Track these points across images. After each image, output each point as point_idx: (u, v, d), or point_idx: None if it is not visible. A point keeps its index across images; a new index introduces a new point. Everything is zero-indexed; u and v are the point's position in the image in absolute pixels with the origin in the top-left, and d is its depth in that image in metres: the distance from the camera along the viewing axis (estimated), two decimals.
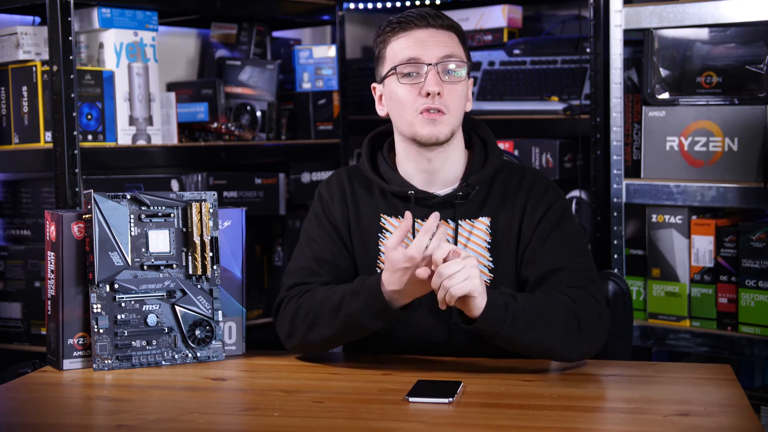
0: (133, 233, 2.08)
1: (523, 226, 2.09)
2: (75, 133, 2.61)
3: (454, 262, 1.84)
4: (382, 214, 2.14)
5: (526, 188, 2.11)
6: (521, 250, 2.09)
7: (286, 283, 2.14)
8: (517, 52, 3.33)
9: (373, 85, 2.16)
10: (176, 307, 2.11)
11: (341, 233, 2.15)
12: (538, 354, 1.98)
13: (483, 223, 2.10)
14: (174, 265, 2.11)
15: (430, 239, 1.88)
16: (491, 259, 2.09)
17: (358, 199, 2.16)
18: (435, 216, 1.92)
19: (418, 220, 2.10)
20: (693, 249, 2.83)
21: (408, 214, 1.94)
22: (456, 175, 2.12)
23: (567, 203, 2.14)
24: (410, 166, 2.12)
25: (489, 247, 2.10)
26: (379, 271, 2.12)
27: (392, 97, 2.09)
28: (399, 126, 2.11)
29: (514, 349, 1.95)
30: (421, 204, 2.11)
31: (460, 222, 2.10)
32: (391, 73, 2.07)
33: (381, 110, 2.15)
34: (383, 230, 2.14)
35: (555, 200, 2.11)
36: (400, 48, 2.07)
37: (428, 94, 2.02)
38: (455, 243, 2.09)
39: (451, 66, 2.05)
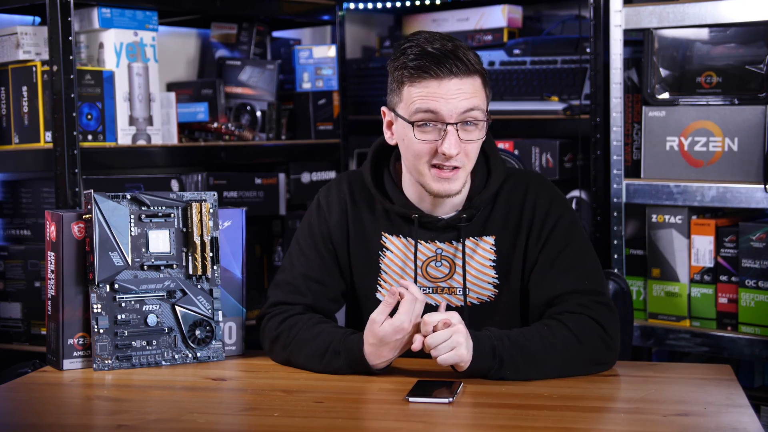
0: (133, 233, 2.08)
1: (529, 243, 2.06)
2: (75, 133, 2.61)
3: (441, 332, 1.87)
4: (383, 232, 2.12)
5: (531, 203, 2.07)
6: (528, 267, 2.07)
7: (270, 296, 2.13)
8: (517, 52, 3.33)
9: (384, 108, 2.07)
10: (176, 307, 2.11)
11: (335, 248, 2.13)
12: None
13: (487, 242, 2.09)
14: (174, 265, 2.11)
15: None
16: (496, 276, 2.08)
17: (359, 214, 2.13)
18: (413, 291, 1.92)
19: (422, 241, 2.09)
20: (693, 249, 2.83)
21: (393, 289, 1.91)
22: (460, 197, 2.09)
23: (573, 213, 2.11)
24: (415, 191, 2.08)
25: (494, 264, 2.08)
26: (379, 288, 2.12)
27: (405, 141, 2.01)
28: (408, 167, 2.05)
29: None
30: (425, 227, 2.09)
31: (465, 241, 2.08)
32: (402, 117, 2.00)
33: (390, 139, 2.07)
34: (384, 248, 2.12)
35: (561, 214, 2.07)
36: (418, 96, 1.95)
37: (443, 153, 1.95)
38: (462, 263, 2.07)
39: (471, 119, 1.96)
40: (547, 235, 2.05)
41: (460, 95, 1.95)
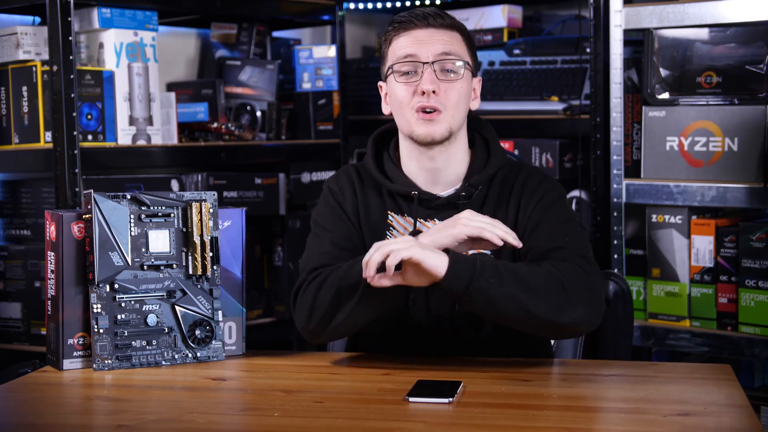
0: (133, 233, 2.08)
1: (518, 220, 2.09)
2: (75, 133, 2.61)
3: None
4: (389, 212, 2.14)
5: (521, 183, 2.11)
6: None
7: (306, 269, 2.06)
8: (517, 52, 3.33)
9: (380, 83, 2.17)
10: (176, 307, 2.11)
11: (352, 224, 2.15)
12: (522, 315, 1.88)
13: None
14: (174, 265, 2.11)
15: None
16: (492, 256, 2.09)
17: (367, 195, 2.16)
18: None
19: (421, 220, 2.11)
20: (693, 249, 2.83)
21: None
22: (459, 175, 2.12)
23: (563, 194, 2.13)
24: (413, 164, 2.12)
25: None
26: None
27: (392, 96, 2.10)
28: (399, 124, 2.11)
29: (492, 310, 1.88)
30: (424, 204, 2.11)
31: None
32: (390, 71, 2.09)
33: (386, 108, 2.16)
34: (391, 228, 2.13)
35: (548, 190, 2.10)
36: (399, 46, 2.08)
37: (423, 93, 2.03)
38: None
39: (449, 64, 2.05)
40: (532, 208, 2.07)
41: (437, 41, 2.06)
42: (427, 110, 2.04)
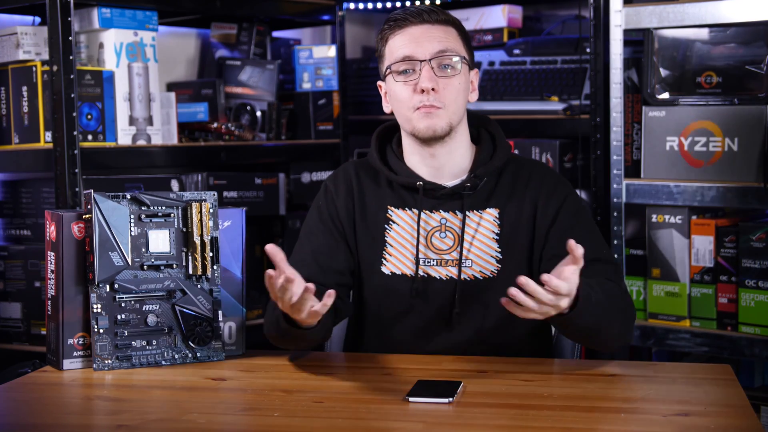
0: (133, 233, 2.08)
1: (537, 220, 2.10)
2: (75, 133, 2.61)
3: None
4: (389, 206, 2.15)
5: (537, 181, 2.12)
6: (537, 244, 2.09)
7: None
8: (517, 52, 3.33)
9: (379, 83, 2.18)
10: (176, 307, 2.11)
11: (343, 228, 2.16)
12: (588, 340, 1.98)
13: (491, 214, 2.11)
14: (174, 265, 2.11)
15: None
16: (499, 249, 2.10)
17: (364, 191, 2.17)
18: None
19: (426, 211, 2.12)
20: (693, 249, 2.83)
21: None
22: (464, 168, 2.13)
23: (579, 197, 2.16)
24: (416, 159, 2.13)
25: (497, 238, 2.10)
26: (384, 261, 2.13)
27: (392, 95, 2.12)
28: (401, 123, 2.13)
29: (573, 334, 1.96)
30: (429, 195, 2.12)
31: (468, 213, 2.10)
32: (388, 71, 2.10)
33: (386, 107, 2.17)
34: (390, 221, 2.14)
35: (568, 193, 2.12)
36: (396, 46, 2.09)
37: (423, 91, 2.04)
38: (462, 234, 2.09)
39: (446, 60, 2.06)
40: (555, 211, 2.09)
41: (433, 38, 2.08)
42: (427, 107, 2.05)
